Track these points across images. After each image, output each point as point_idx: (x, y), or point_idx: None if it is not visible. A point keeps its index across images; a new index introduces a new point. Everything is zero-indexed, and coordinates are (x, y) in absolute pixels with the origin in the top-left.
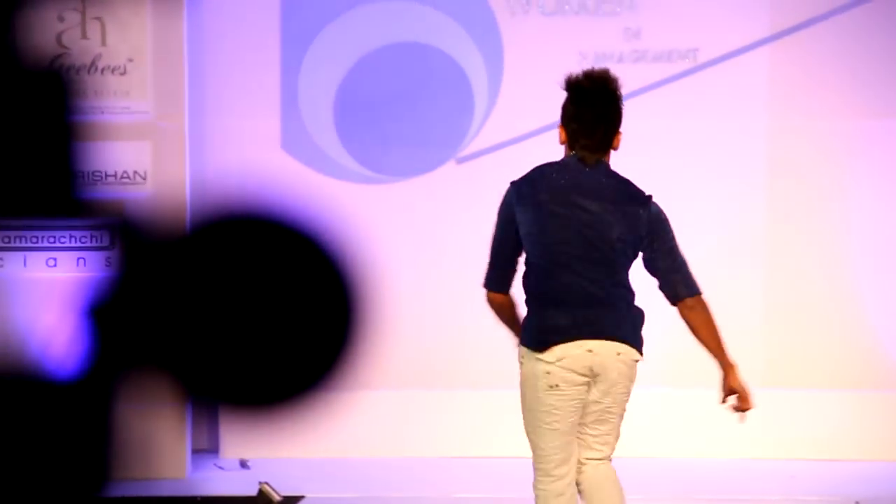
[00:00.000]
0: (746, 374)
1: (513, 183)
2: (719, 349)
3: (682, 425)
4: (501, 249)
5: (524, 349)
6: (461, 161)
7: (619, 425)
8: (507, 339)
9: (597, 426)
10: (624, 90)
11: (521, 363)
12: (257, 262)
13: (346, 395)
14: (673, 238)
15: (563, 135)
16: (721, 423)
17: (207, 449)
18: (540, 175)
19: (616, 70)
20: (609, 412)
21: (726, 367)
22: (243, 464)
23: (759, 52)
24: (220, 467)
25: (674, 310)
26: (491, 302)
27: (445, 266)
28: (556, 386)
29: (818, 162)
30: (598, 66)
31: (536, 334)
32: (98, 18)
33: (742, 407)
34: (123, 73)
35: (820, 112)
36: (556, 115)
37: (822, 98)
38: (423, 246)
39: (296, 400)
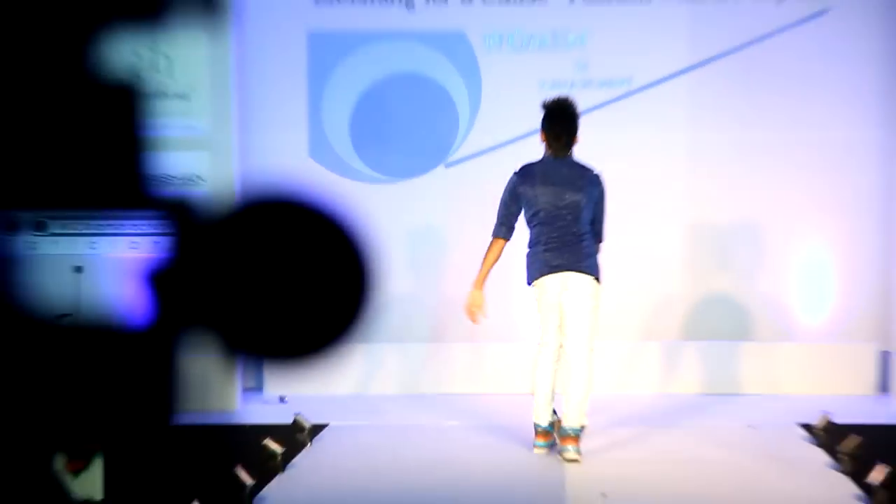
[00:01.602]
0: (668, 330)
1: (515, 172)
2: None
3: (621, 368)
4: (508, 212)
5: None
6: (449, 165)
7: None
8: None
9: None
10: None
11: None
12: (291, 240)
13: (362, 345)
14: (604, 206)
15: (543, 138)
16: (646, 367)
17: (254, 387)
18: (531, 166)
19: (569, 94)
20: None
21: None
22: (282, 399)
23: (679, 79)
24: (264, 402)
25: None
26: (494, 245)
27: (435, 246)
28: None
29: (724, 161)
30: (555, 91)
31: (535, 272)
32: (166, 56)
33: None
34: (186, 99)
35: (728, 126)
36: (524, 129)
37: (729, 114)
38: (418, 231)
39: (323, 350)
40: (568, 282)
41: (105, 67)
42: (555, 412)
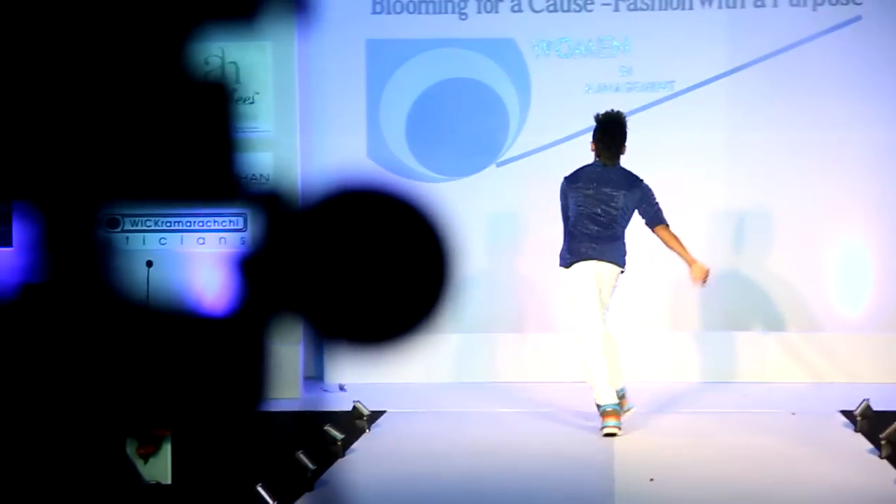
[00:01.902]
0: (713, 321)
1: (565, 177)
2: (684, 252)
3: (667, 357)
4: (565, 213)
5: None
6: (500, 165)
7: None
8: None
9: None
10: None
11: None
12: (366, 230)
13: (435, 336)
14: (655, 201)
15: (594, 147)
16: (698, 357)
17: (315, 376)
18: (578, 171)
19: (613, 97)
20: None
21: (691, 262)
22: (342, 387)
23: (719, 82)
24: (325, 390)
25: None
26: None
27: (486, 241)
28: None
29: (762, 160)
30: (601, 94)
31: (570, 257)
32: (234, 63)
33: (702, 279)
34: (252, 103)
35: (766, 126)
36: (571, 130)
37: (767, 115)
38: (469, 228)
39: (400, 339)
40: (600, 269)
41: (198, 68)
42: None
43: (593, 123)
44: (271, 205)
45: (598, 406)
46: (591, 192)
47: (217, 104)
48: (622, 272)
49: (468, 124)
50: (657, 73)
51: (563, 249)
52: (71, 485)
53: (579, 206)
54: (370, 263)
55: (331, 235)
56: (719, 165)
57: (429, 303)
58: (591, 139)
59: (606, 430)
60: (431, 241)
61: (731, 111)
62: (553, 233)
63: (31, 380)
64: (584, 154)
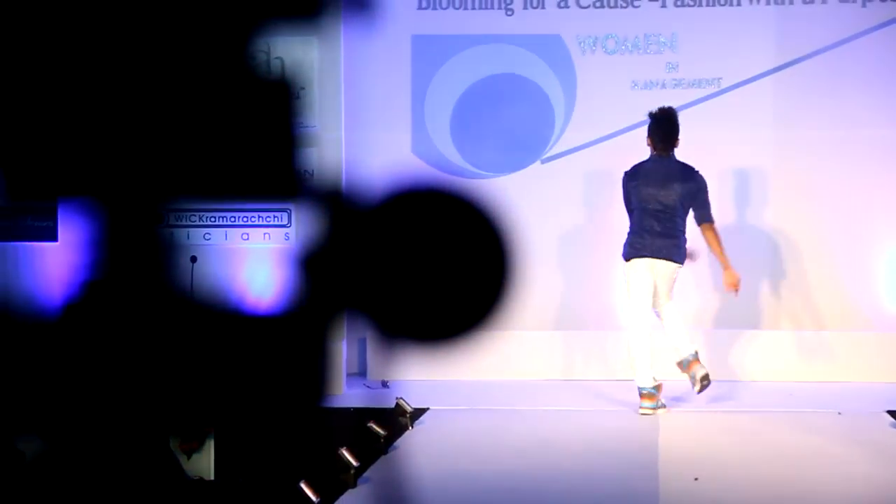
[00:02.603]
0: (759, 319)
1: (626, 172)
2: (721, 255)
3: (710, 356)
4: (628, 205)
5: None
6: (545, 161)
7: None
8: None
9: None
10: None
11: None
12: (423, 227)
13: (469, 336)
14: (706, 197)
15: (650, 142)
16: (744, 356)
17: (357, 373)
18: (638, 165)
19: (659, 94)
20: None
21: (725, 266)
22: (384, 384)
23: (766, 79)
24: (368, 386)
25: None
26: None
27: (533, 239)
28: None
29: (811, 160)
30: (646, 91)
31: (629, 250)
32: (280, 58)
33: (733, 288)
34: (297, 98)
35: (817, 124)
36: (617, 126)
37: (817, 113)
38: (515, 224)
39: (460, 337)
40: (656, 266)
41: (260, 64)
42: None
43: (640, 120)
44: (332, 202)
45: (638, 388)
46: (650, 188)
47: (278, 100)
48: (680, 267)
49: (513, 120)
50: (704, 69)
51: (626, 241)
52: (117, 478)
53: (641, 201)
54: (430, 261)
55: (390, 233)
56: (766, 163)
57: (490, 300)
58: (646, 134)
59: (642, 411)
60: (492, 240)
61: (778, 108)
62: (598, 230)
63: (96, 376)
64: (629, 151)
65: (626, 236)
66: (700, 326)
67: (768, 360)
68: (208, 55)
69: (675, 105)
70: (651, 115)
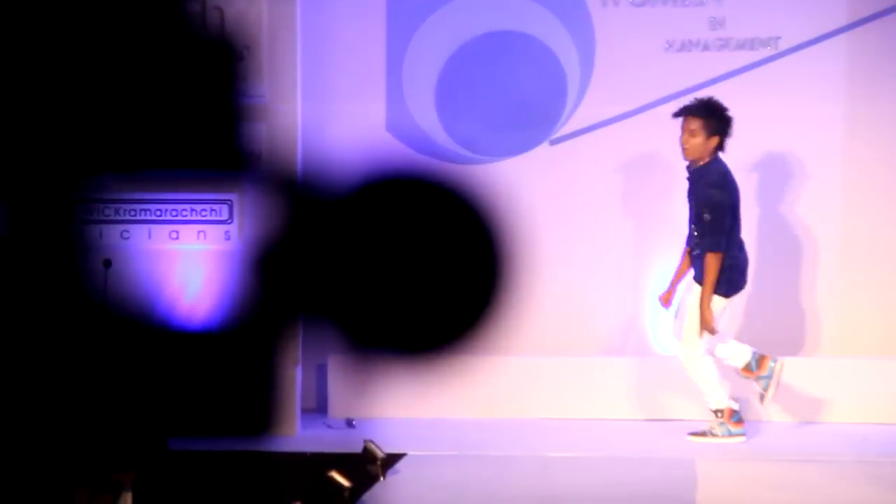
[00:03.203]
0: (818, 345)
1: (728, 169)
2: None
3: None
4: (727, 218)
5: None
6: (554, 143)
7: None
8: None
9: None
10: (708, 76)
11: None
12: (399, 223)
13: (452, 358)
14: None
15: (717, 142)
16: (799, 390)
17: (315, 408)
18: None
19: (700, 58)
20: None
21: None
22: (349, 423)
23: (838, 39)
24: (329, 426)
25: None
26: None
27: (535, 240)
28: None
29: (891, 136)
30: (683, 54)
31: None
32: (219, 8)
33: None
34: (240, 60)
35: (892, 96)
36: (645, 98)
37: (893, 82)
38: (515, 222)
39: (413, 360)
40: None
41: (193, 16)
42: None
43: (675, 90)
44: (286, 191)
45: (718, 410)
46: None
47: (215, 62)
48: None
49: (515, 91)
50: (757, 27)
51: (724, 270)
52: None
53: (739, 218)
54: (408, 265)
55: (357, 231)
56: (836, 144)
57: (480, 314)
58: (713, 132)
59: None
60: (485, 240)
61: (851, 76)
62: (621, 230)
63: None
64: (661, 131)
65: (728, 262)
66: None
67: (833, 394)
68: (126, 4)
69: (721, 71)
70: (725, 112)
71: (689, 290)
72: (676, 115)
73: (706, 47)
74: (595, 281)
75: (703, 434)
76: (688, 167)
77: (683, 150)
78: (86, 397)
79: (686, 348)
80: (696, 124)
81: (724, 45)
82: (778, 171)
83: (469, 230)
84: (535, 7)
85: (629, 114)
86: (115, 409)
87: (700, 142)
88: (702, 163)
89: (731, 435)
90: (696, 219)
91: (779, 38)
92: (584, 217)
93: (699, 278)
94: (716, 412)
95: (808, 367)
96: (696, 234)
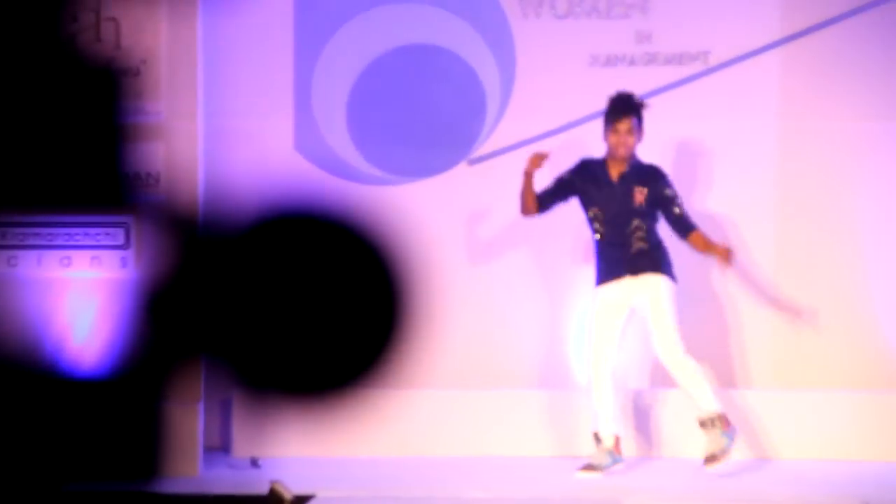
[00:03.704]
0: (755, 375)
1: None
2: None
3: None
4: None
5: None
6: (473, 162)
7: None
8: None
9: None
10: (636, 92)
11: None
12: (302, 254)
13: (358, 393)
14: None
15: (641, 138)
16: (764, 423)
17: (218, 447)
18: None
19: (627, 73)
20: None
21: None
22: (254, 462)
23: (770, 54)
24: (232, 466)
25: None
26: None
27: (452, 267)
28: None
29: (828, 163)
30: (609, 69)
31: None
32: (112, 19)
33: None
34: (137, 75)
35: (831, 114)
36: (569, 116)
37: (833, 100)
38: (430, 246)
39: (316, 397)
40: None
41: (83, 27)
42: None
43: (599, 109)
44: (182, 220)
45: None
46: None
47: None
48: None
49: (432, 108)
50: (686, 40)
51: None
52: None
53: None
54: (303, 297)
55: (259, 263)
56: (768, 163)
57: (376, 348)
58: (639, 127)
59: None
60: (379, 268)
61: (785, 92)
62: (543, 255)
63: None
64: (585, 150)
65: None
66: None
67: (810, 429)
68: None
69: (649, 87)
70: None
71: (652, 289)
72: (619, 115)
73: (633, 62)
74: (514, 309)
75: (714, 458)
76: (606, 166)
77: (620, 150)
78: None
79: (671, 350)
80: (632, 123)
81: (651, 59)
82: (709, 187)
83: (376, 258)
84: (452, 20)
85: (552, 132)
86: (5, 456)
87: (635, 140)
88: (632, 161)
89: (731, 440)
90: (645, 213)
91: (709, 52)
92: (504, 241)
93: (660, 268)
94: (710, 421)
95: (742, 401)
96: (642, 229)
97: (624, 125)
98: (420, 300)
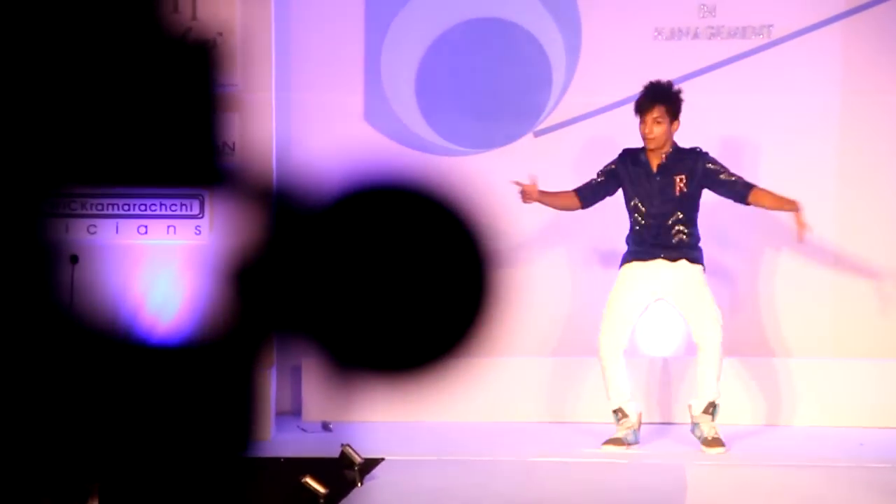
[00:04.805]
0: (817, 345)
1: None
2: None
3: (756, 395)
4: None
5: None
6: (539, 134)
7: None
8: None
9: None
10: (699, 65)
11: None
12: (380, 226)
13: (432, 364)
14: None
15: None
16: (793, 393)
17: (290, 411)
18: None
19: (690, 46)
20: None
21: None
22: (326, 426)
23: (833, 27)
24: (303, 430)
25: None
26: None
27: (519, 237)
28: None
29: (890, 136)
30: (672, 42)
31: None
32: None
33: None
34: (213, 47)
35: (893, 87)
36: (633, 89)
37: (892, 71)
38: (500, 217)
39: (404, 368)
40: None
41: None
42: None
43: (663, 79)
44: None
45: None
46: None
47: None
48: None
49: (497, 81)
50: (749, 14)
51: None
52: None
53: None
54: (391, 271)
55: (337, 234)
56: (830, 137)
57: (467, 319)
58: (676, 116)
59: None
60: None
61: (848, 66)
62: (610, 225)
63: None
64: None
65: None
66: (732, 354)
67: (825, 396)
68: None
69: (710, 61)
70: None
71: (689, 276)
72: (645, 106)
73: (696, 35)
74: (582, 280)
75: (717, 442)
76: (647, 156)
77: (649, 142)
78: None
79: (712, 335)
80: (659, 112)
81: (714, 33)
82: (770, 161)
83: (452, 229)
84: None
85: (616, 104)
86: (78, 418)
87: (665, 129)
88: (671, 150)
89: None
90: (686, 202)
91: (771, 25)
92: (573, 214)
93: (698, 260)
94: (710, 406)
95: (769, 369)
96: (684, 221)
97: (650, 115)
98: (490, 272)
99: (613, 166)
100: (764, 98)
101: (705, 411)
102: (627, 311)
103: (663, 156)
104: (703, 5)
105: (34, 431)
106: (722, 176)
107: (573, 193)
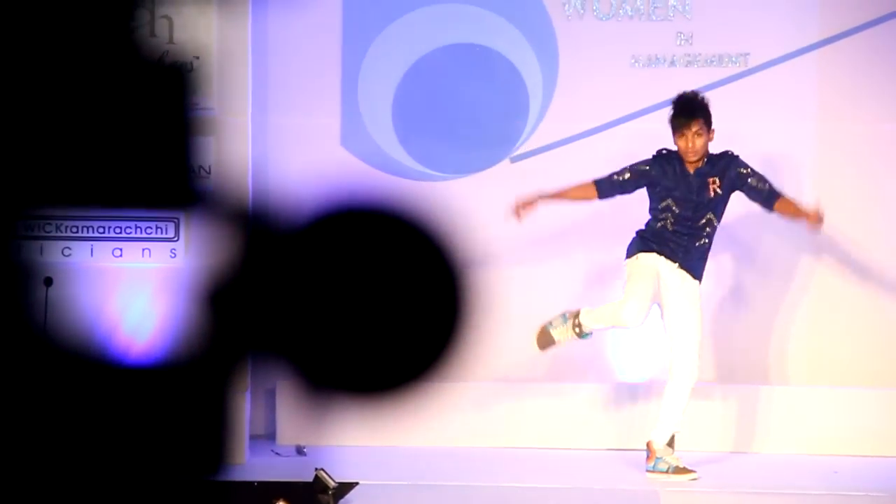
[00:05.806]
0: (791, 373)
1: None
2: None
3: (730, 422)
4: None
5: None
6: (516, 160)
7: None
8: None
9: None
10: (676, 93)
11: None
12: (355, 248)
13: (404, 387)
14: None
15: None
16: (767, 420)
17: (264, 435)
18: None
19: (667, 73)
20: None
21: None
22: (299, 450)
23: (808, 56)
24: (277, 453)
25: None
26: None
27: (494, 261)
28: None
29: (867, 165)
30: (650, 69)
31: None
32: (166, 17)
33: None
34: (190, 71)
35: (869, 116)
36: (610, 115)
37: (871, 102)
38: (475, 242)
39: (363, 391)
40: None
41: (140, 25)
42: None
43: (640, 108)
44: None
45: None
46: None
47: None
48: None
49: (475, 106)
50: (726, 42)
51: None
52: None
53: None
54: (365, 292)
55: (311, 256)
56: (806, 165)
57: (441, 343)
58: (710, 127)
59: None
60: (443, 264)
61: (823, 95)
62: (586, 251)
63: None
64: (627, 148)
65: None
66: (706, 381)
67: (800, 423)
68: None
69: (688, 87)
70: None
71: (688, 290)
72: (685, 119)
73: (673, 63)
74: (557, 303)
75: (683, 470)
76: (684, 168)
77: (690, 155)
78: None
79: (689, 358)
80: (699, 125)
81: (691, 60)
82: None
83: (427, 253)
84: (496, 20)
85: (593, 130)
86: (51, 446)
87: (704, 141)
88: (705, 157)
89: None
90: (718, 205)
91: (748, 53)
92: (546, 237)
93: (700, 275)
94: (672, 439)
95: (744, 396)
96: (712, 225)
97: (690, 130)
98: (467, 295)
99: (647, 167)
100: (740, 125)
101: (669, 444)
102: (649, 290)
103: (700, 162)
104: (681, 33)
105: (4, 453)
106: (751, 180)
107: (591, 185)
